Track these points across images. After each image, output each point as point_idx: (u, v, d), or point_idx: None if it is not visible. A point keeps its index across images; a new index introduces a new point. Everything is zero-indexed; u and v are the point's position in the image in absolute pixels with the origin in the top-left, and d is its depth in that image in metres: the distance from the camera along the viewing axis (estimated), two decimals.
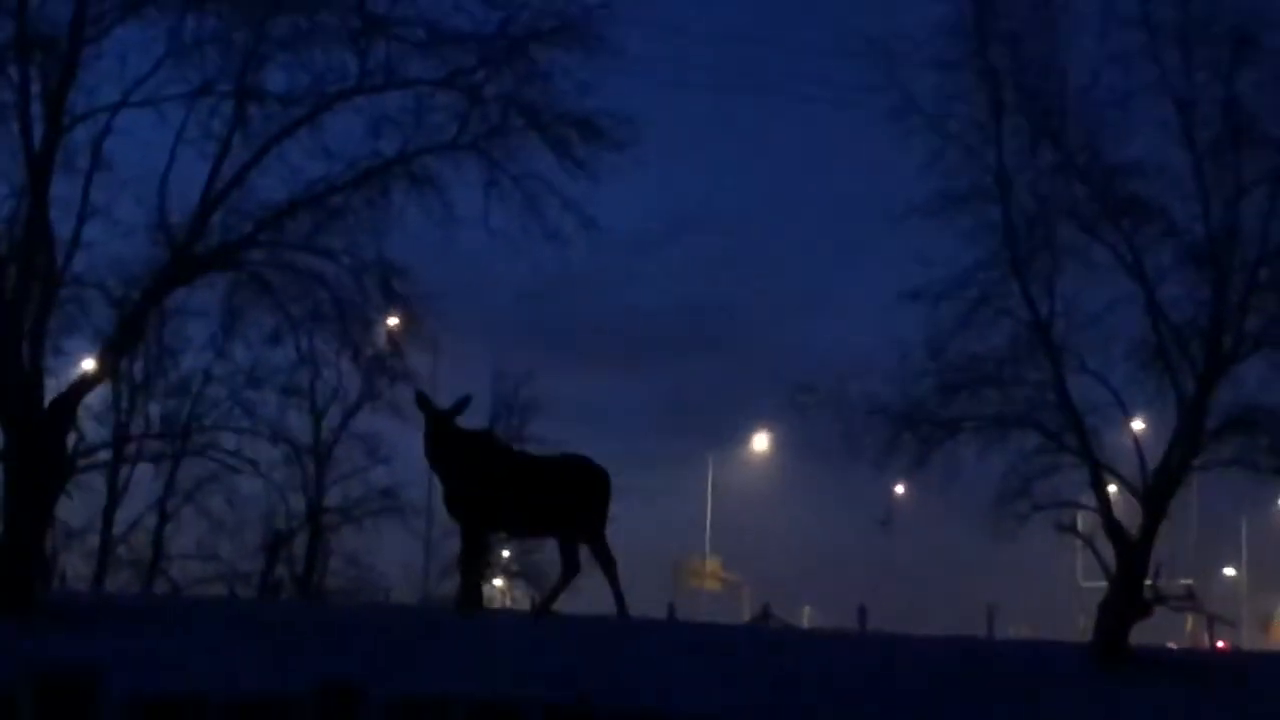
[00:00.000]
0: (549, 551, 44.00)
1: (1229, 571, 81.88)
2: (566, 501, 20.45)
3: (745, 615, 59.61)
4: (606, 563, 20.73)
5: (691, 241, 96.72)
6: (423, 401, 20.56)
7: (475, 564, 21.35)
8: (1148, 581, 22.14)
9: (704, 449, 74.74)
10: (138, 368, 37.37)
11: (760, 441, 75.20)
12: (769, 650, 19.17)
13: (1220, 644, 49.77)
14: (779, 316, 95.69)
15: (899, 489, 33.22)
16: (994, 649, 25.85)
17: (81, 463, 20.73)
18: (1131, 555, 21.73)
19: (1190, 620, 48.20)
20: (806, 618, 59.82)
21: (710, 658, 16.39)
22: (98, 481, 41.07)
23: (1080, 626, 53.40)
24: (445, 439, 20.16)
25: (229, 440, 36.56)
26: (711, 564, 74.34)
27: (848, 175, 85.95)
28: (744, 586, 72.95)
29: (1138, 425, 22.98)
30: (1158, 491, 21.81)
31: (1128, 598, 21.83)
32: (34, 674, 4.58)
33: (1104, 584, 22.44)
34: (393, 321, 21.66)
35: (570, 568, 21.01)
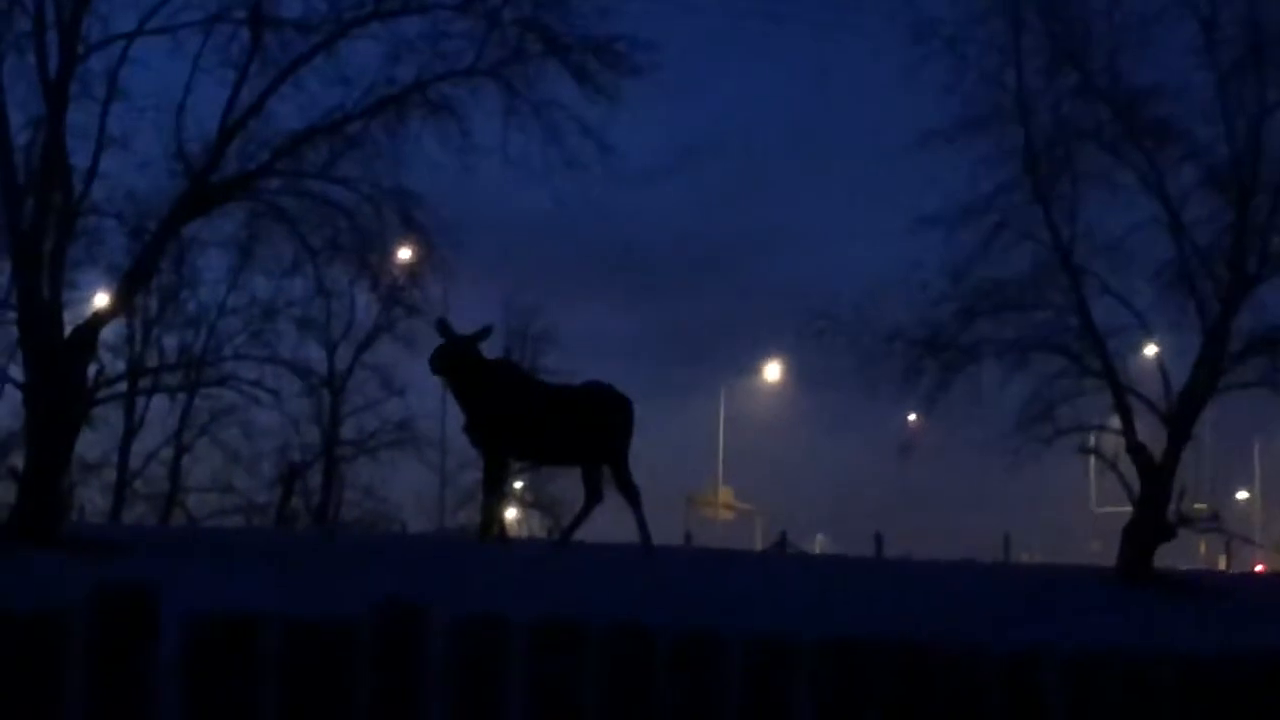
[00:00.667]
0: (562, 482, 44.15)
1: (1242, 495, 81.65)
2: (589, 430, 20.31)
3: (758, 544, 59.50)
4: (629, 491, 20.60)
5: (704, 170, 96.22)
6: (444, 329, 20.40)
7: (496, 492, 21.22)
8: (1171, 505, 22.08)
9: (717, 380, 74.58)
10: (151, 301, 37.23)
11: (772, 371, 74.92)
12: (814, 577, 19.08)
13: (1259, 566, 49.64)
14: (793, 246, 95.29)
15: (912, 417, 33.05)
16: (1014, 573, 25.76)
17: (102, 393, 20.52)
18: (1155, 478, 21.66)
19: (1203, 543, 48.11)
20: (819, 545, 59.66)
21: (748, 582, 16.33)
22: (114, 416, 41.06)
23: (1094, 551, 53.53)
24: (467, 366, 20.02)
25: (247, 371, 36.47)
26: (724, 494, 74.17)
27: (865, 101, 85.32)
28: (756, 516, 72.79)
29: (1160, 348, 22.87)
30: (1182, 414, 21.75)
31: (1152, 521, 21.77)
32: (93, 595, 4.44)
33: (1119, 509, 22.41)
34: (409, 251, 21.54)
35: (593, 496, 20.88)
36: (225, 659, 4.59)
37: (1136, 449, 21.79)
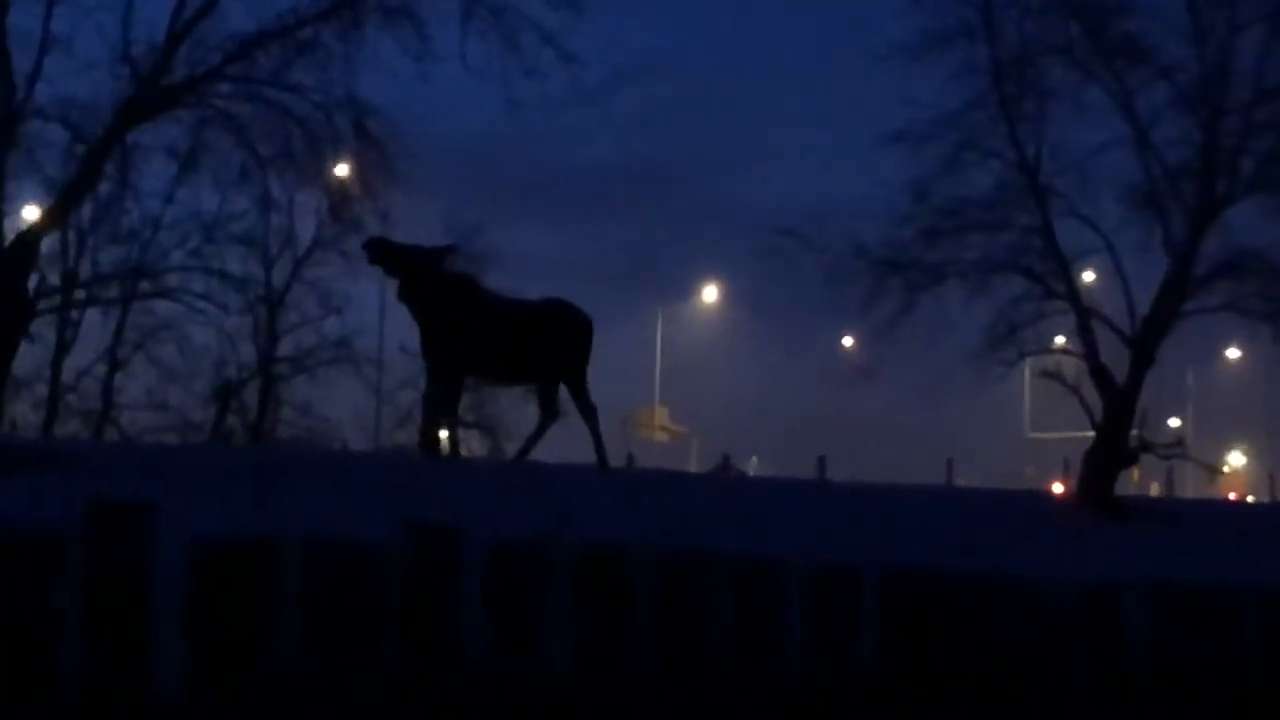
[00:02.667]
0: (505, 401, 43.77)
1: (1174, 422, 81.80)
2: (548, 347, 19.86)
3: (694, 465, 59.32)
4: (587, 410, 20.17)
5: (651, 87, 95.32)
6: (383, 246, 19.83)
7: (448, 409, 20.72)
8: (1133, 430, 21.80)
9: (655, 302, 74.28)
10: (85, 212, 36.50)
11: (709, 294, 74.73)
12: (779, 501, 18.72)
13: (1232, 495, 49.69)
14: (742, 166, 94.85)
15: (848, 341, 32.64)
16: (962, 496, 25.44)
17: (42, 305, 19.96)
18: (1118, 403, 21.34)
19: (1136, 472, 48.12)
20: (753, 468, 59.46)
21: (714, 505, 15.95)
22: (46, 331, 40.37)
23: (1028, 476, 53.53)
24: (425, 281, 19.50)
25: (188, 284, 35.78)
26: (660, 415, 74.01)
27: (828, 17, 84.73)
28: (692, 438, 72.67)
29: (1119, 269, 22.49)
30: (1146, 338, 21.41)
31: (1113, 446, 21.48)
32: (88, 511, 4.00)
33: (1052, 435, 22.18)
34: (360, 162, 20.98)
35: (549, 414, 20.46)
36: (239, 583, 4.17)
37: (1100, 372, 21.45)
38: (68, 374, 43.50)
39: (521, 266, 49.19)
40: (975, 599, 5.05)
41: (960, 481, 49.60)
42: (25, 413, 42.75)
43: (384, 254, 19.79)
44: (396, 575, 4.34)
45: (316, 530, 4.57)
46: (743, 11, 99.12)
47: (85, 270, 39.07)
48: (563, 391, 20.41)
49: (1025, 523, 17.91)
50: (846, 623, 4.86)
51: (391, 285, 20.81)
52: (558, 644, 4.56)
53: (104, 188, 21.72)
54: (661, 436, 72.65)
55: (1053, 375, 22.61)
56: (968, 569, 5.20)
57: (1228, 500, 41.35)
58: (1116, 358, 21.63)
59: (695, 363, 74.39)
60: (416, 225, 23.32)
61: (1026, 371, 27.07)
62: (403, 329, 27.21)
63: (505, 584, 4.48)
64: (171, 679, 4.15)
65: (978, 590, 5.07)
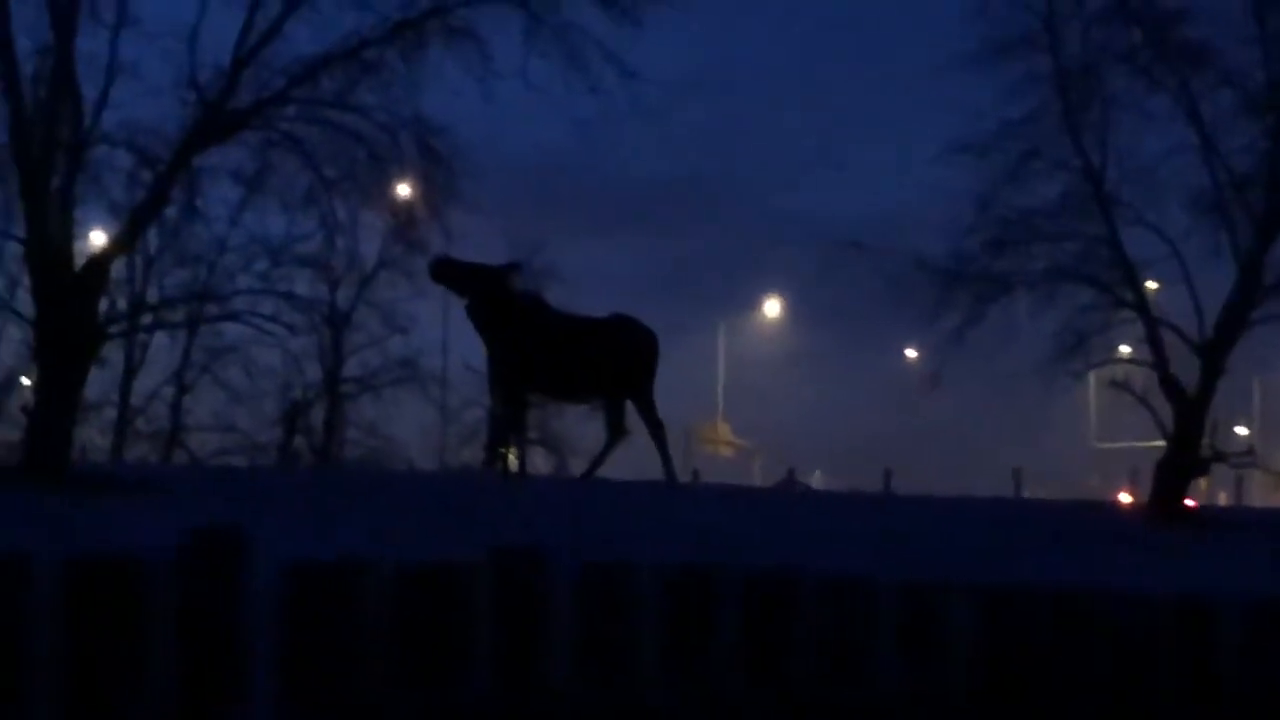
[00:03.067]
0: (570, 419, 43.78)
1: (1241, 430, 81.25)
2: (613, 363, 19.88)
3: (758, 480, 59.22)
4: (654, 427, 20.18)
5: (712, 101, 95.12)
6: (447, 264, 19.89)
7: (515, 427, 20.79)
8: (1205, 440, 21.64)
9: (717, 315, 74.24)
10: (152, 236, 36.71)
11: (772, 308, 74.66)
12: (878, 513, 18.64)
13: None
14: (804, 179, 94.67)
15: (912, 353, 32.51)
16: (1034, 509, 25.33)
17: (111, 328, 20.06)
18: (1188, 412, 21.20)
19: (1204, 481, 47.77)
20: (818, 482, 59.34)
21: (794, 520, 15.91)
22: (114, 354, 40.67)
23: (1093, 487, 53.25)
24: (490, 300, 19.54)
25: (256, 306, 35.81)
26: (723, 430, 73.93)
27: (887, 26, 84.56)
28: (756, 453, 72.59)
29: (1186, 277, 22.35)
30: (1216, 346, 21.27)
31: (1185, 456, 21.33)
32: (184, 537, 4.01)
33: (1118, 445, 22.06)
34: (425, 182, 21.02)
35: (617, 431, 20.48)
36: (330, 606, 4.18)
37: (1169, 382, 21.32)
38: (136, 397, 43.91)
39: (584, 282, 49.26)
40: (1061, 615, 5.02)
41: (1027, 493, 49.45)
42: (94, 436, 43.14)
43: (447, 272, 19.88)
44: (483, 599, 4.34)
45: (400, 553, 4.57)
46: (803, 24, 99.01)
47: (153, 294, 39.42)
48: (630, 408, 20.42)
49: (1096, 534, 17.80)
50: (936, 640, 4.83)
51: (456, 304, 20.89)
52: (645, 669, 4.55)
53: (171, 212, 21.87)
54: (726, 451, 72.62)
55: (1121, 385, 22.49)
56: (1050, 583, 5.17)
57: None
58: (1185, 366, 21.50)
59: (758, 376, 74.32)
60: (480, 243, 23.32)
61: (1092, 381, 26.97)
62: (468, 347, 27.30)
63: (594, 608, 4.47)
64: (264, 708, 4.16)
65: (1063, 606, 5.04)
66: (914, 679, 4.81)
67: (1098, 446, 62.75)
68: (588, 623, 4.52)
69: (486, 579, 4.40)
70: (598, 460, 20.86)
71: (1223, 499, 53.44)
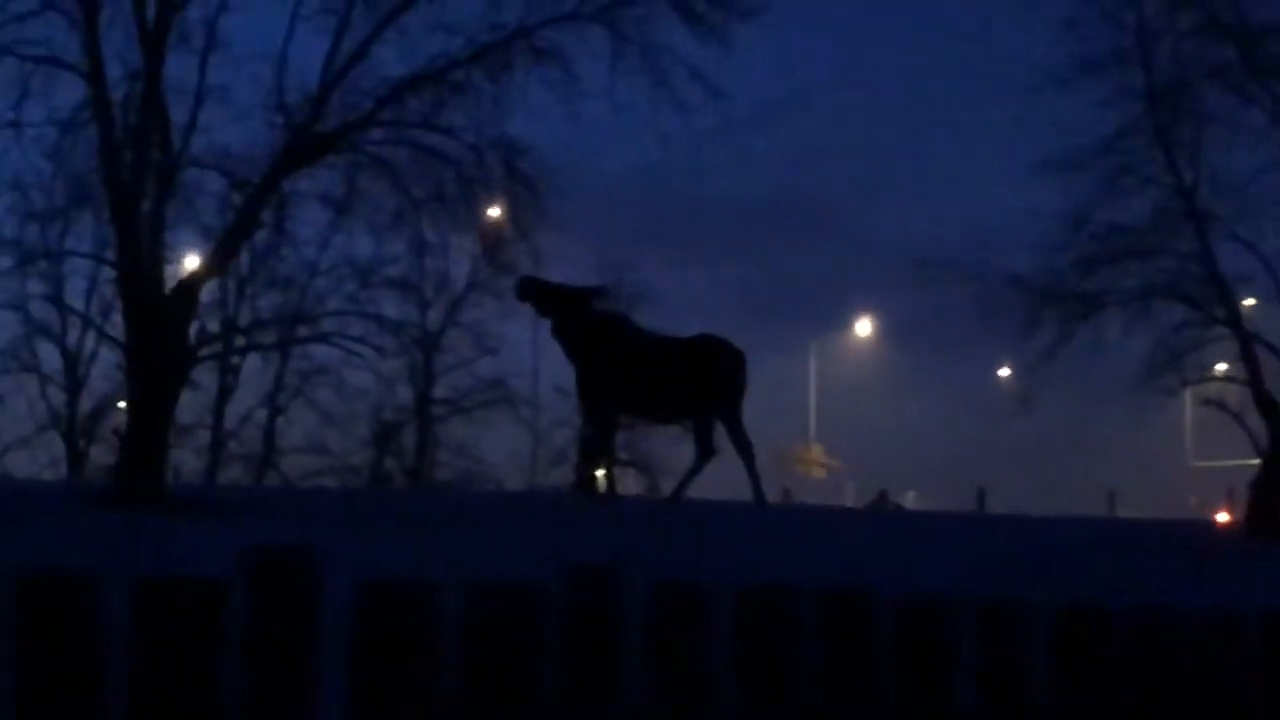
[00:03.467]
0: (661, 440, 43.75)
1: None
2: (701, 384, 19.83)
3: (849, 500, 59.02)
4: (743, 447, 20.13)
5: (800, 120, 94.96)
6: (531, 284, 19.94)
7: (604, 448, 20.77)
8: None
9: (808, 335, 74.04)
10: (243, 260, 36.93)
11: (863, 327, 74.38)
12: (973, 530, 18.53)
13: None
14: (894, 198, 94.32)
15: (1005, 372, 32.34)
16: (1125, 527, 25.11)
17: (203, 351, 20.16)
18: None
19: None
20: (911, 501, 59.08)
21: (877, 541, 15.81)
22: (207, 377, 41.00)
23: (1192, 506, 52.75)
24: (578, 321, 19.56)
25: (345, 328, 35.99)
26: (815, 450, 73.69)
27: (976, 44, 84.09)
28: (848, 473, 72.32)
29: None
30: None
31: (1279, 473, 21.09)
32: (250, 559, 4.00)
33: (1216, 463, 21.82)
34: (511, 202, 21.04)
35: (705, 451, 20.42)
36: (400, 624, 4.15)
37: (1264, 399, 21.10)
38: (229, 420, 44.20)
39: (675, 303, 49.36)
40: (1146, 631, 4.95)
41: (1122, 512, 49.06)
42: (188, 459, 43.45)
43: (533, 292, 19.91)
44: (556, 617, 4.30)
45: (476, 572, 4.54)
46: (890, 43, 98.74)
47: (244, 317, 39.68)
48: (719, 429, 20.35)
49: (1192, 553, 17.61)
50: (1016, 657, 4.77)
51: (544, 325, 20.91)
52: (722, 687, 4.51)
53: (261, 235, 21.96)
54: (818, 472, 72.40)
55: (1215, 403, 22.30)
56: (1137, 601, 5.09)
57: None
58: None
59: (849, 397, 74.05)
60: (568, 264, 23.41)
61: (1188, 399, 26.75)
62: (558, 369, 27.32)
63: (668, 625, 4.43)
64: None
65: (1149, 623, 4.97)
66: (992, 695, 4.76)
67: (1195, 465, 62.17)
68: (662, 640, 4.48)
69: (560, 597, 4.37)
70: (686, 480, 20.81)
71: None
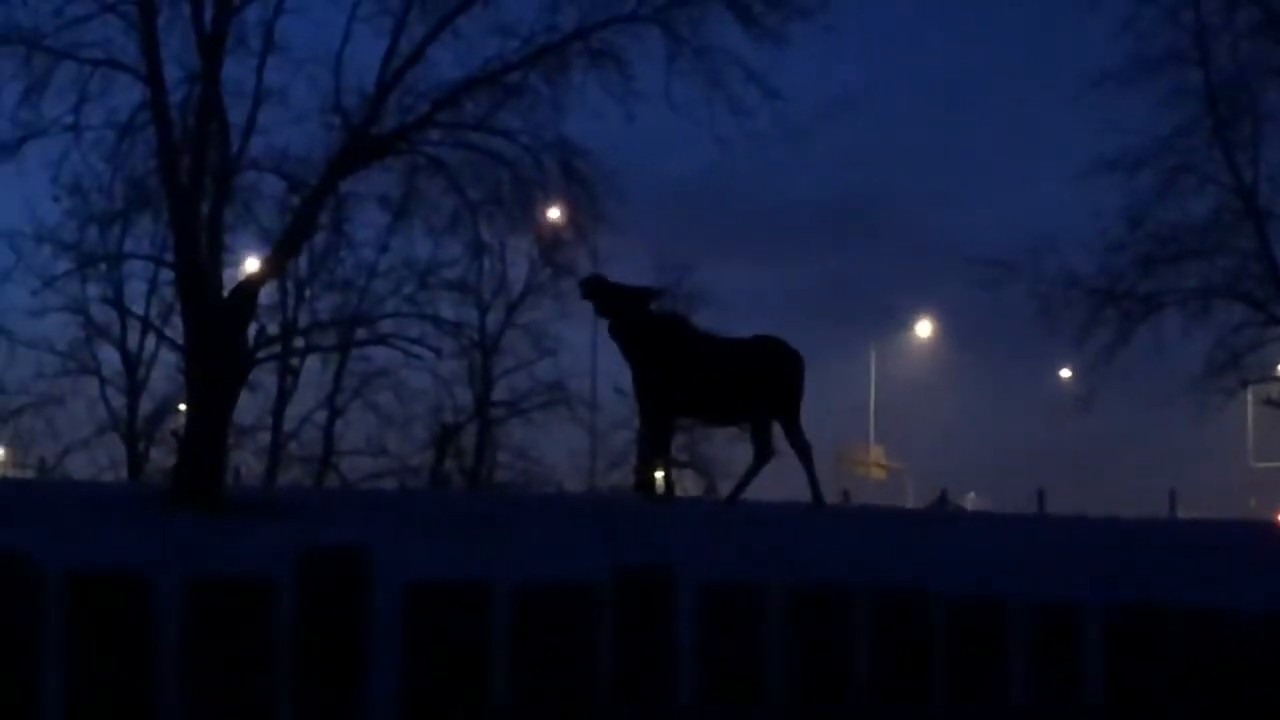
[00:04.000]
0: (718, 442, 43.73)
1: None
2: (759, 385, 19.79)
3: (910, 501, 58.87)
4: (801, 448, 20.07)
5: (858, 122, 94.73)
6: (598, 285, 19.97)
7: (662, 450, 20.76)
8: None
9: (868, 336, 73.83)
10: (302, 262, 37.08)
11: (923, 328, 74.12)
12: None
13: None
14: (952, 199, 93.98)
15: (1066, 373, 32.17)
16: (1186, 528, 24.93)
17: (261, 353, 20.24)
18: None
19: None
20: (971, 503, 58.88)
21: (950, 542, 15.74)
22: (267, 379, 41.18)
23: (1253, 507, 52.42)
24: (636, 322, 19.56)
25: (404, 330, 36.11)
26: (875, 452, 73.46)
27: (1032, 44, 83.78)
28: (908, 474, 72.13)
29: None
30: None
31: None
32: (302, 560, 4.00)
33: (1278, 464, 21.69)
34: (570, 204, 21.05)
35: (763, 452, 20.37)
36: (449, 625, 4.15)
37: None
38: (289, 421, 44.35)
39: (731, 304, 49.34)
40: (1201, 633, 4.92)
41: (1183, 513, 48.78)
42: (249, 460, 43.63)
43: (597, 291, 19.92)
44: (606, 618, 4.29)
45: (530, 574, 4.54)
46: (949, 42, 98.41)
47: (303, 319, 39.83)
48: (777, 430, 20.32)
49: (1253, 555, 17.48)
50: (1070, 658, 4.75)
51: (603, 326, 20.92)
52: (770, 688, 4.50)
53: (320, 237, 22.06)
54: (878, 474, 72.18)
55: (1275, 403, 22.19)
56: (1193, 602, 5.06)
57: None
58: None
59: (909, 397, 73.83)
60: (626, 266, 23.42)
61: (1249, 398, 26.63)
62: (616, 371, 27.37)
63: (719, 626, 4.43)
64: None
65: (1204, 624, 4.94)
66: (1046, 695, 4.74)
67: (1256, 466, 61.81)
68: (712, 642, 4.47)
69: (610, 598, 4.36)
70: (744, 481, 20.77)
71: None
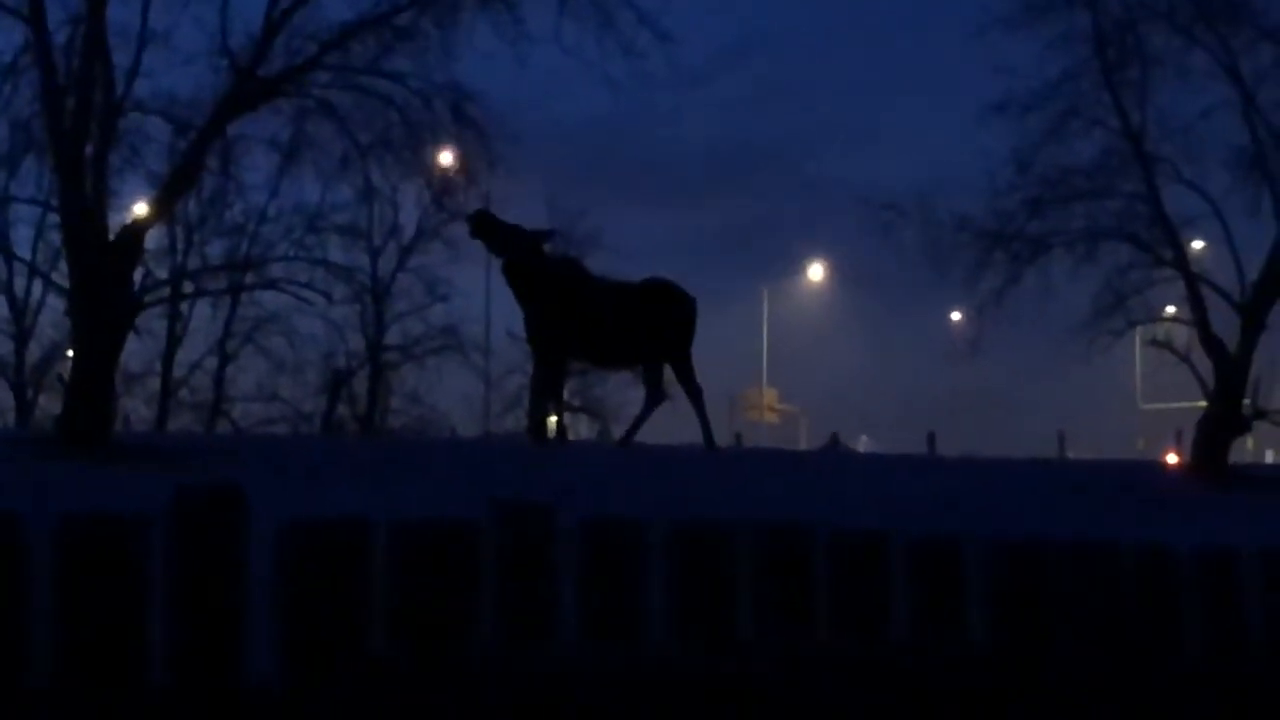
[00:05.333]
0: (611, 386, 43.80)
1: None
2: (651, 328, 19.79)
3: (803, 444, 59.14)
4: (693, 392, 20.11)
5: (749, 67, 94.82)
6: (485, 220, 19.86)
7: (554, 394, 20.73)
8: (1246, 398, 21.49)
9: (760, 282, 74.03)
10: (191, 207, 36.72)
11: (815, 272, 74.37)
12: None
13: None
14: (843, 143, 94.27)
15: (957, 316, 32.39)
16: (1073, 468, 25.20)
17: (148, 298, 20.05)
18: (1230, 370, 21.05)
19: (1251, 439, 47.53)
20: (863, 445, 59.21)
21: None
22: (157, 325, 40.82)
23: (1140, 449, 52.98)
24: (528, 265, 19.50)
25: (294, 274, 35.91)
26: (769, 395, 73.75)
27: None
28: (801, 418, 72.47)
29: (1227, 235, 22.17)
30: (1257, 303, 21.11)
31: (1226, 415, 21.19)
32: (179, 497, 3.96)
33: (1165, 405, 21.93)
34: (460, 147, 20.92)
35: (655, 395, 20.42)
36: (327, 564, 4.12)
37: (1210, 340, 21.16)
38: (179, 367, 43.97)
39: (627, 249, 49.25)
40: (1082, 567, 4.96)
41: (1072, 454, 49.27)
42: (139, 408, 43.27)
43: (486, 228, 19.83)
44: (487, 556, 4.28)
45: (414, 512, 4.51)
46: None
47: (193, 263, 39.50)
48: (669, 374, 20.35)
49: (1138, 494, 17.69)
50: (952, 595, 4.78)
51: (497, 269, 20.86)
52: (652, 624, 4.50)
53: (208, 181, 21.85)
54: (771, 417, 72.48)
55: (1163, 344, 22.39)
56: (1075, 538, 5.10)
57: None
58: (1227, 325, 21.35)
59: (802, 341, 74.13)
60: (520, 209, 23.28)
61: (1137, 341, 26.86)
62: (509, 315, 27.27)
63: (598, 564, 4.42)
64: (266, 668, 4.11)
65: (1084, 559, 4.97)
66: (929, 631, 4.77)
67: (1144, 408, 62.45)
68: (592, 580, 4.46)
69: (491, 535, 4.34)
70: (635, 425, 20.81)
71: (1270, 457, 53.11)
